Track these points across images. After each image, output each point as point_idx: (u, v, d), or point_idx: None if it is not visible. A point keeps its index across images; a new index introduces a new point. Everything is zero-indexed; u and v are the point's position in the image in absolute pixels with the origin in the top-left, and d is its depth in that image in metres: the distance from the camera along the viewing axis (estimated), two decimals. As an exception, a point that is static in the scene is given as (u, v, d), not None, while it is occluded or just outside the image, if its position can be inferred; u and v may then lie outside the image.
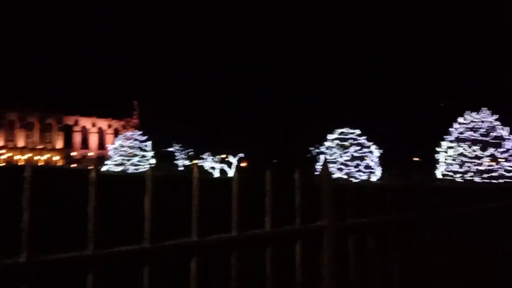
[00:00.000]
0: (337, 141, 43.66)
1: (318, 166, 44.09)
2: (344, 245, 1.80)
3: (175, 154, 63.19)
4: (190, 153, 62.32)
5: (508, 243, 3.29)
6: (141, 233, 1.16)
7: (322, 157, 44.35)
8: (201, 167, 52.49)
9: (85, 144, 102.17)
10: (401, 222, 2.08)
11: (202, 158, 53.91)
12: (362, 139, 42.98)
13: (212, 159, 53.06)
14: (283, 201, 1.89)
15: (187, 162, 62.28)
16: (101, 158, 70.15)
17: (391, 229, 2.00)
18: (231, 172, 51.41)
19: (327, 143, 44.38)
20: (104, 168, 53.36)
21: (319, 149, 47.12)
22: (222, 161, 53.63)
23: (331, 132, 44.39)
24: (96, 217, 1.07)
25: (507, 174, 37.60)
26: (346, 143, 43.16)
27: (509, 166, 37.97)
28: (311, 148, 54.14)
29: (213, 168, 52.48)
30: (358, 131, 43.22)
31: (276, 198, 1.51)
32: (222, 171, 52.42)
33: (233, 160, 52.99)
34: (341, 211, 1.80)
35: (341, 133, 43.69)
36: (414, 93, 52.94)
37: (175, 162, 62.70)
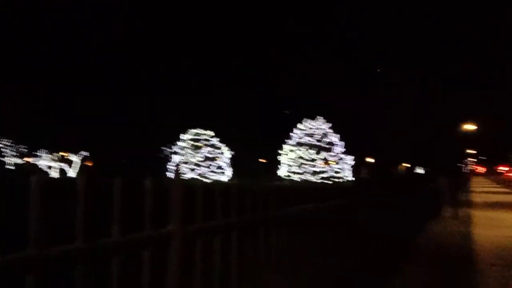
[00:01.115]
0: (190, 142, 43.99)
1: (171, 166, 43.73)
2: (193, 249, 1.85)
3: (2, 150, 54.63)
4: (22, 149, 54.72)
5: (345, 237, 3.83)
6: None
7: (175, 157, 44.12)
8: (35, 165, 46.65)
9: None
10: (246, 223, 2.25)
11: (37, 156, 47.86)
12: (215, 140, 44.24)
13: (50, 157, 47.49)
14: (134, 206, 1.86)
15: (18, 160, 54.53)
16: None
17: (237, 231, 2.14)
18: (71, 172, 47.06)
19: (180, 143, 44.35)
20: None
21: (171, 149, 46.72)
22: (62, 159, 48.51)
23: (185, 132, 44.54)
24: None
25: (336, 175, 43.35)
26: (200, 144, 43.82)
27: (338, 168, 43.79)
28: (163, 148, 53.24)
29: (50, 167, 47.05)
30: (211, 133, 44.32)
31: (126, 204, 1.48)
32: (62, 171, 47.52)
33: (75, 158, 48.51)
34: (191, 214, 1.85)
35: (195, 134, 44.17)
36: (263, 99, 56.82)
37: (3, 159, 54.18)
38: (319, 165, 43.12)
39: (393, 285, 5.16)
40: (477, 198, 21.21)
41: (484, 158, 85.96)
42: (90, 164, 52.99)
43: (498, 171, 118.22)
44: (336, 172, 43.41)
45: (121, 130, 53.38)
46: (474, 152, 50.93)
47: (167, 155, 49.12)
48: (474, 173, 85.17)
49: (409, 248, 7.21)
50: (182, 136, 44.08)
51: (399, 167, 63.23)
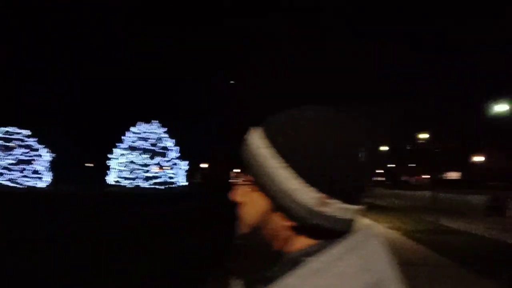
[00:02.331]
0: (0, 141, 37.80)
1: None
2: None
3: None
4: None
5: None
6: None
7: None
8: None
9: None
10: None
11: None
12: (31, 141, 38.92)
13: None
14: None
15: None
16: None
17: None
18: None
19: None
20: None
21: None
22: None
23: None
24: None
25: (170, 180, 42.88)
26: (11, 144, 37.98)
27: (172, 174, 43.40)
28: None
29: None
30: (27, 132, 38.83)
31: None
32: None
33: None
34: None
35: (6, 133, 38.06)
36: (92, 98, 52.58)
37: None
38: (152, 171, 42.01)
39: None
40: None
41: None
42: None
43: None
44: (170, 178, 42.98)
45: None
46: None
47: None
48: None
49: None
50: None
51: (230, 172, 66.49)
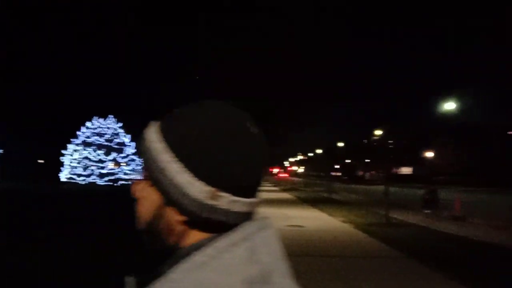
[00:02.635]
0: None
1: None
2: None
3: None
4: None
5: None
6: None
7: None
8: None
9: None
10: None
11: None
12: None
13: None
14: None
15: None
16: None
17: None
18: None
19: None
20: None
21: None
22: None
23: None
24: None
25: (126, 177, 41.83)
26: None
27: (128, 170, 42.36)
28: None
29: None
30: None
31: None
32: None
33: None
34: None
35: None
36: (45, 93, 50.28)
37: None
38: (108, 167, 40.81)
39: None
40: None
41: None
42: None
43: (271, 172, 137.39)
44: (126, 174, 41.94)
45: None
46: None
47: None
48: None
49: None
50: None
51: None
